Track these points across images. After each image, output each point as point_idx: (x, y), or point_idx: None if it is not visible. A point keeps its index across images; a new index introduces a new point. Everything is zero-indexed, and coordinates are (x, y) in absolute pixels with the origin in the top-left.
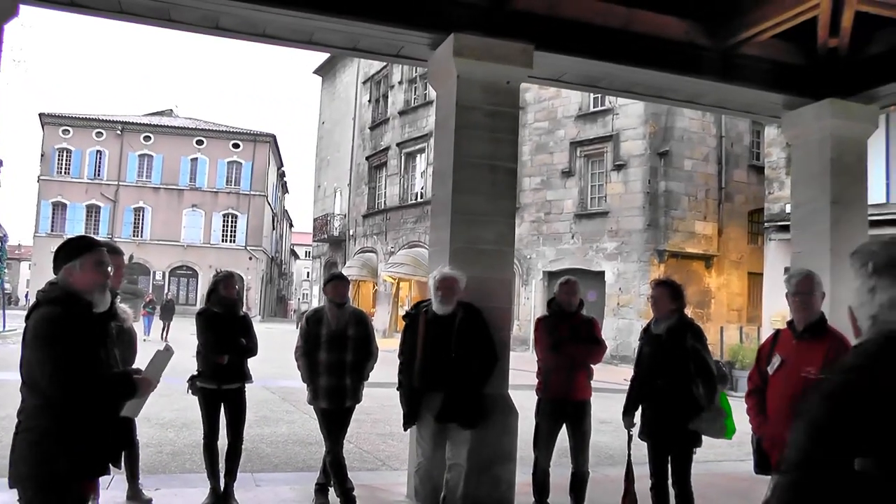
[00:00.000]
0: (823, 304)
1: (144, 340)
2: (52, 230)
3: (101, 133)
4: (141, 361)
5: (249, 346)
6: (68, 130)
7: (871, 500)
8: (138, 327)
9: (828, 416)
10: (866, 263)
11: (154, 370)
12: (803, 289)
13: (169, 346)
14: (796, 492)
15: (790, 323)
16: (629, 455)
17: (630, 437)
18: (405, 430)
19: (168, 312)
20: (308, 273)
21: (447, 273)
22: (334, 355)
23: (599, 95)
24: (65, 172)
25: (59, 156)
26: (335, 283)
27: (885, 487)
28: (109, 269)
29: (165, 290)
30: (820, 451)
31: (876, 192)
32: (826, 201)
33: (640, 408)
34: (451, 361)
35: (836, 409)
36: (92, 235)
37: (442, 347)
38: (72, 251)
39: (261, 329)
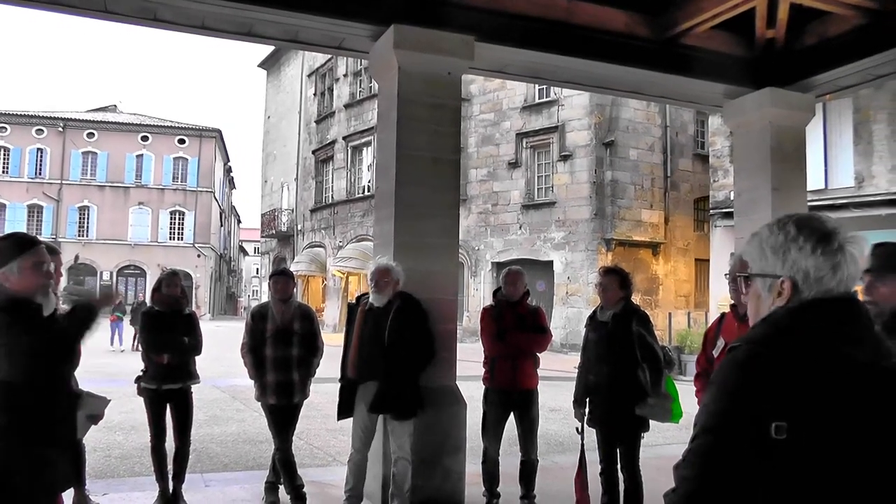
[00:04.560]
0: None
1: (121, 351)
2: None
3: (42, 130)
4: (108, 370)
5: (193, 345)
6: (5, 128)
7: (780, 467)
8: (105, 334)
9: (738, 384)
10: (818, 244)
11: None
12: (742, 271)
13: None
14: (705, 456)
15: (733, 306)
16: (582, 445)
17: (582, 425)
18: (338, 420)
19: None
20: (257, 269)
21: (381, 264)
22: (280, 351)
23: (545, 87)
24: (3, 171)
25: None
26: (277, 279)
27: (794, 454)
28: (51, 268)
29: (137, 294)
30: (729, 418)
31: (815, 179)
32: (767, 188)
33: (588, 395)
34: (385, 351)
35: (746, 377)
36: (25, 232)
37: (377, 337)
38: (5, 253)
39: (210, 327)
